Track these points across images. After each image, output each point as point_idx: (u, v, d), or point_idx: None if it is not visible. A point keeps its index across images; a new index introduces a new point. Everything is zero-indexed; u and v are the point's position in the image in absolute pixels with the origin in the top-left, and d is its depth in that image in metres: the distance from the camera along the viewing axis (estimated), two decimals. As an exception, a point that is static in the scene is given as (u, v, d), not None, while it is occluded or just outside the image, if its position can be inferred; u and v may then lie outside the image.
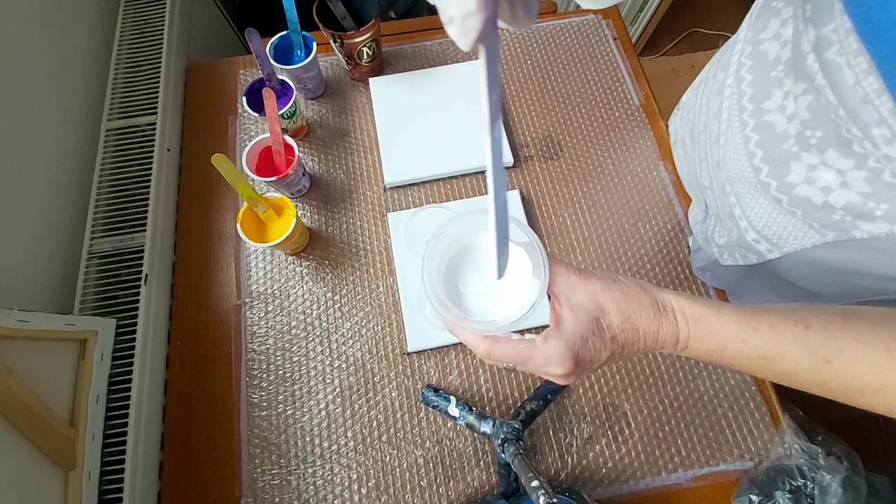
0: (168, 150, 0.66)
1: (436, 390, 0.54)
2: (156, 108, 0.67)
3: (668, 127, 0.70)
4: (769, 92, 0.35)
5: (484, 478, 0.53)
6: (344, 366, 0.57)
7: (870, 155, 0.30)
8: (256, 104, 0.62)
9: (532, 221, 0.63)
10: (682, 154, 0.59)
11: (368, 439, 0.54)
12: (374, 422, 0.55)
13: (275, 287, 0.61)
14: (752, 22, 0.39)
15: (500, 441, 0.47)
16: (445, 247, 0.33)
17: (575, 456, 0.53)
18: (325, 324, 0.59)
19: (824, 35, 0.29)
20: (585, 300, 0.30)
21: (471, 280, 0.33)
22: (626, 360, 0.31)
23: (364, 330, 0.59)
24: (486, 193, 0.65)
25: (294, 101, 0.62)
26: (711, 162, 0.46)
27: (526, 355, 0.30)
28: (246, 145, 0.58)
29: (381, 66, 0.74)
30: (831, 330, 0.27)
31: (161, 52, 0.70)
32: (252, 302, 0.61)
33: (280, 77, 0.63)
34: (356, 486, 0.52)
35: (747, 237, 0.43)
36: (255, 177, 0.57)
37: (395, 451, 0.54)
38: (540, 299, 0.29)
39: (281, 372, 0.57)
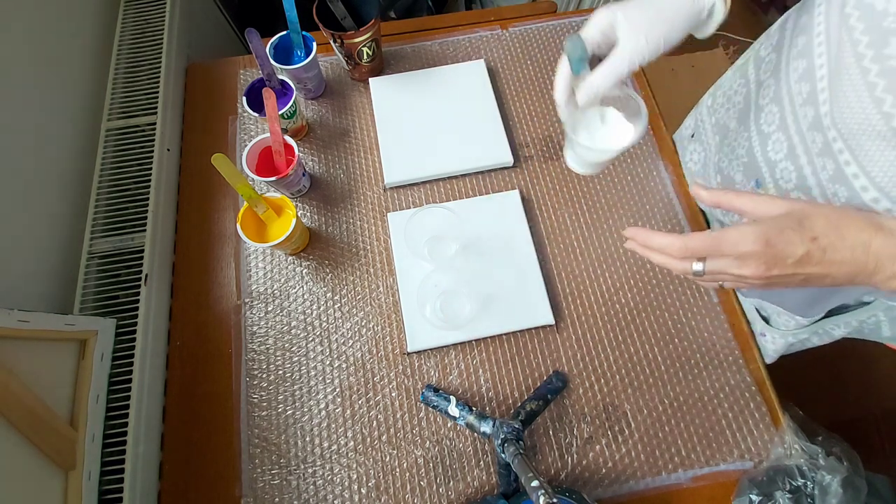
0: (168, 150, 0.66)
1: (436, 390, 0.54)
2: (156, 108, 0.67)
3: (667, 128, 0.70)
4: (887, 40, 0.34)
5: (484, 478, 0.53)
6: (344, 366, 0.57)
7: None
8: (256, 104, 0.61)
9: (532, 221, 0.63)
10: (717, 141, 0.58)
11: (368, 439, 0.54)
12: (374, 422, 0.55)
13: (275, 287, 0.61)
14: None
15: (500, 441, 0.47)
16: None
17: (575, 456, 0.53)
18: (325, 324, 0.59)
19: None
20: (792, 208, 0.32)
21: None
22: (827, 273, 0.31)
23: (364, 330, 0.59)
24: (483, 194, 0.65)
25: (294, 101, 0.62)
26: (800, 126, 0.43)
27: (720, 238, 0.32)
28: (246, 145, 0.58)
29: (381, 66, 0.74)
30: None
31: (161, 52, 0.70)
32: (252, 302, 0.61)
33: (280, 77, 0.63)
34: (356, 486, 0.52)
35: (864, 197, 0.40)
36: (255, 177, 0.57)
37: (395, 451, 0.54)
38: (639, 137, 0.46)
39: (281, 372, 0.57)
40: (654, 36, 0.38)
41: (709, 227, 0.64)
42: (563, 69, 0.43)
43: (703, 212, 0.65)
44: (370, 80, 0.71)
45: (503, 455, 0.46)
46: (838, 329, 0.50)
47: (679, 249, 0.34)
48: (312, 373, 0.57)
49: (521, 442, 0.47)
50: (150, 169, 0.63)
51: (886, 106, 0.35)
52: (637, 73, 0.74)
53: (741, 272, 0.32)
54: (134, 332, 0.55)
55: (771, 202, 0.34)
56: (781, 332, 0.53)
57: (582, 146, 0.47)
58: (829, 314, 0.49)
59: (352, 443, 0.54)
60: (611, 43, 0.41)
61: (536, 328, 0.58)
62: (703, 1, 0.39)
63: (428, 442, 0.54)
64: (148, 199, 0.61)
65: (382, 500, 0.52)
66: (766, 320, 0.56)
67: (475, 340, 0.58)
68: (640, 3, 0.40)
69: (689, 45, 0.43)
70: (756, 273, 0.32)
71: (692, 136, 0.65)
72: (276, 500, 0.52)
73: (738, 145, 0.53)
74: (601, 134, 0.48)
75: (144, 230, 0.60)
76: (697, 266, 0.34)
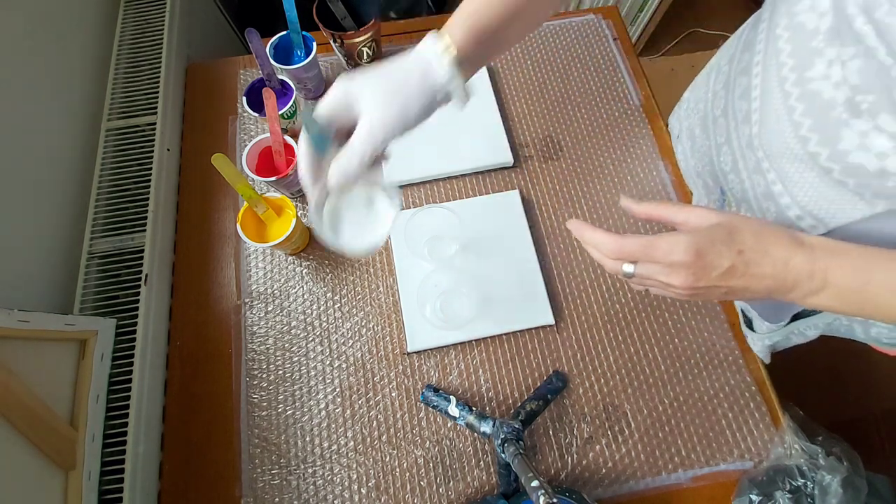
0: (168, 150, 0.66)
1: (436, 390, 0.54)
2: (156, 108, 0.67)
3: (667, 126, 0.70)
4: (811, 61, 0.35)
5: (484, 478, 0.53)
6: (344, 366, 0.57)
7: None
8: (256, 104, 0.62)
9: (532, 221, 0.63)
10: (689, 146, 0.58)
11: (368, 439, 0.54)
12: (374, 422, 0.55)
13: (275, 287, 0.61)
14: None
15: (500, 441, 0.47)
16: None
17: (575, 456, 0.53)
18: (325, 324, 0.59)
19: None
20: (722, 220, 0.33)
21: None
22: (747, 287, 0.33)
23: (364, 330, 0.59)
24: (483, 194, 0.65)
25: (294, 101, 0.62)
26: (740, 142, 0.45)
27: (653, 244, 0.33)
28: (246, 145, 0.58)
29: (381, 66, 0.74)
30: None
31: (161, 52, 0.70)
32: (252, 302, 0.61)
33: (280, 77, 0.64)
34: (356, 486, 0.52)
35: (789, 214, 0.41)
36: (255, 177, 0.57)
37: (395, 451, 0.54)
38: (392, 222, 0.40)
39: (281, 372, 0.57)
40: (393, 112, 0.35)
41: None
42: (305, 145, 0.37)
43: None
44: (370, 80, 0.71)
45: (503, 455, 0.46)
46: (811, 330, 0.50)
47: (613, 250, 0.34)
48: (312, 373, 0.57)
49: (521, 442, 0.47)
50: (150, 169, 0.63)
51: (804, 130, 0.36)
52: (637, 73, 0.74)
53: (669, 280, 0.33)
54: (134, 332, 0.55)
55: (706, 214, 0.34)
56: (759, 335, 0.54)
57: (347, 238, 0.39)
58: (798, 317, 0.49)
59: (352, 443, 0.54)
60: (355, 117, 0.36)
61: (536, 328, 0.58)
62: (436, 79, 0.36)
63: (428, 442, 0.54)
64: (148, 199, 0.61)
65: (382, 500, 0.52)
66: (749, 323, 0.56)
67: (475, 340, 0.58)
68: (372, 73, 0.36)
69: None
70: (684, 283, 0.32)
71: (677, 136, 0.65)
72: (276, 500, 0.52)
73: (704, 153, 0.53)
74: (370, 219, 0.41)
75: (144, 230, 0.60)
76: (628, 268, 0.35)
